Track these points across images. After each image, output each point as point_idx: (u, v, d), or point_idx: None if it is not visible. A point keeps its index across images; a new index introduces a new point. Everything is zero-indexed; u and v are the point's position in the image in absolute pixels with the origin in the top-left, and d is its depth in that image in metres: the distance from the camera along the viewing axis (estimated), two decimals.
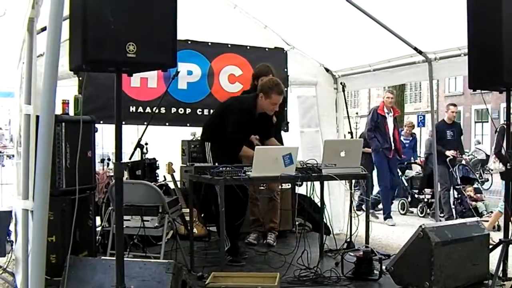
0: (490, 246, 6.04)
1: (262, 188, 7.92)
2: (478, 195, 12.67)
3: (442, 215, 11.86)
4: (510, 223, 6.09)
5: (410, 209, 13.97)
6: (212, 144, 7.25)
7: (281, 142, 7.91)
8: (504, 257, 5.96)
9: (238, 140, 6.92)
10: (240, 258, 6.94)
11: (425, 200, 13.30)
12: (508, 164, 6.13)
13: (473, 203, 12.28)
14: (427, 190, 13.20)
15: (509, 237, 6.07)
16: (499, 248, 6.02)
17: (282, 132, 8.89)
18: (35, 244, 3.52)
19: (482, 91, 6.12)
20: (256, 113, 7.13)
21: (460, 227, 5.84)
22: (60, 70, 6.48)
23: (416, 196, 13.78)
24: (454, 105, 13.07)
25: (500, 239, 6.09)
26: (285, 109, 9.04)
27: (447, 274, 5.44)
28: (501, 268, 5.85)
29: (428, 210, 13.25)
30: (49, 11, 3.76)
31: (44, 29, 4.15)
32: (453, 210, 12.22)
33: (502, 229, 7.09)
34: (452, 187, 12.37)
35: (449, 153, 12.01)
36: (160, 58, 4.04)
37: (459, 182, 12.31)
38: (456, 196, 12.36)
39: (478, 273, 5.76)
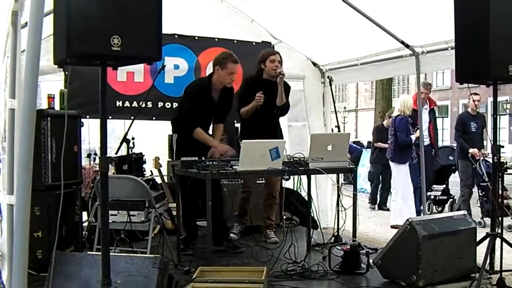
0: (477, 240, 6.04)
1: (259, 182, 7.92)
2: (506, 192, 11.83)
3: None
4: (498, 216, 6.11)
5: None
6: (178, 136, 7.30)
7: (280, 132, 7.89)
8: (491, 251, 5.97)
9: (190, 125, 6.96)
10: (190, 248, 7.02)
11: (432, 197, 12.54)
12: (496, 158, 6.14)
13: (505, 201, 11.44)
14: (435, 187, 12.57)
15: (496, 231, 6.08)
16: (486, 242, 6.03)
17: None
18: (17, 239, 3.49)
19: (470, 85, 6.13)
20: (211, 91, 7.14)
21: (447, 221, 5.84)
22: (46, 64, 6.54)
23: None
24: (477, 94, 11.56)
25: (487, 233, 6.09)
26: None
27: (434, 268, 5.45)
28: (488, 262, 5.86)
29: (435, 208, 12.66)
30: (30, 3, 3.73)
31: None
32: (475, 209, 11.24)
33: None
34: (476, 185, 11.20)
35: (472, 151, 10.78)
36: (145, 52, 4.00)
37: (486, 179, 10.82)
38: (481, 194, 11.11)
39: (465, 267, 5.76)
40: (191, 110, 6.97)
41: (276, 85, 7.40)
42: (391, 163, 11.17)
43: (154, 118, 8.69)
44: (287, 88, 7.68)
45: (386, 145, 11.59)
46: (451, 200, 12.52)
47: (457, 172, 11.64)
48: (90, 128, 7.85)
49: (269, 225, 7.98)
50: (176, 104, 8.62)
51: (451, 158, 12.56)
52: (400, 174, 10.85)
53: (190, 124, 6.95)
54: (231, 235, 7.68)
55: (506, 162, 7.48)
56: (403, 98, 11.09)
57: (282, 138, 7.68)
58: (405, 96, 11.36)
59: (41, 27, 3.75)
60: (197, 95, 7.06)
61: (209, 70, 8.80)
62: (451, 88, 42.78)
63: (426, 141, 10.75)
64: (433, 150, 11.34)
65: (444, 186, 12.68)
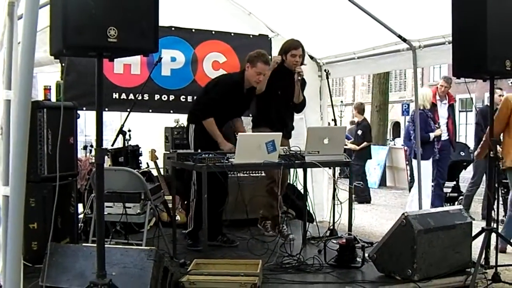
0: (473, 234, 6.05)
1: (254, 175, 7.93)
2: None
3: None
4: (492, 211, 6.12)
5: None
6: (196, 126, 7.11)
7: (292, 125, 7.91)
8: (486, 245, 5.98)
9: (207, 112, 6.92)
10: (200, 243, 6.83)
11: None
12: (491, 153, 6.15)
13: None
14: (447, 184, 11.94)
15: (492, 225, 6.10)
16: (481, 236, 6.05)
17: None
18: (12, 230, 3.49)
19: (467, 80, 6.13)
20: (244, 87, 7.12)
21: (443, 215, 5.84)
22: (42, 56, 6.52)
23: None
24: (500, 88, 11.41)
25: (482, 227, 6.11)
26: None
27: (429, 262, 5.45)
28: (483, 256, 5.87)
29: (445, 205, 11.83)
30: None
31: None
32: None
33: None
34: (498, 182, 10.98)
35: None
36: (141, 43, 3.99)
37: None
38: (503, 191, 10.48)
39: (461, 261, 5.76)
40: (216, 100, 6.94)
41: (293, 76, 7.42)
42: (412, 160, 10.79)
43: (150, 111, 8.66)
44: (303, 83, 7.70)
45: (353, 146, 11.39)
46: (461, 197, 12.02)
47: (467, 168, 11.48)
48: (86, 120, 7.85)
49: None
50: (173, 97, 8.62)
51: (462, 153, 12.23)
52: (423, 171, 10.01)
53: (206, 112, 6.92)
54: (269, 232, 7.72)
55: None
56: (422, 92, 10.58)
57: (292, 129, 7.79)
58: (424, 89, 10.86)
59: (37, 18, 3.73)
60: (231, 90, 7.05)
61: (206, 62, 8.84)
62: None
63: (445, 136, 10.59)
64: (452, 146, 11.05)
65: (455, 182, 12.33)
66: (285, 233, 7.53)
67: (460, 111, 42.21)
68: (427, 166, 10.25)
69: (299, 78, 7.40)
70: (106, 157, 6.54)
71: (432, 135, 10.35)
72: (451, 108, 10.98)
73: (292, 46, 7.53)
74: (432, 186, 10.58)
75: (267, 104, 7.55)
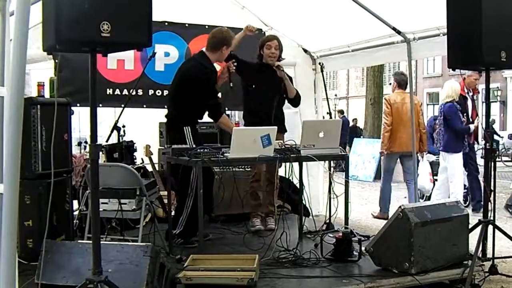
0: (470, 227, 6.04)
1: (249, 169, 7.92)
2: None
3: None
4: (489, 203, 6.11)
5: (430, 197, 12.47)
6: (191, 127, 6.97)
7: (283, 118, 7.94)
8: (483, 238, 5.98)
9: (219, 107, 6.98)
10: (192, 241, 6.79)
11: None
12: (488, 144, 6.14)
13: None
14: None
15: (489, 218, 6.09)
16: (478, 229, 6.04)
17: None
18: (6, 228, 3.46)
19: (461, 72, 6.11)
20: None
21: (440, 208, 5.83)
22: (36, 52, 6.49)
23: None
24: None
25: (479, 220, 6.11)
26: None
27: (426, 255, 5.45)
28: (480, 249, 5.86)
29: None
30: None
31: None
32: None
33: None
34: None
35: None
36: (135, 38, 3.97)
37: None
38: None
39: (458, 254, 5.76)
40: (215, 95, 7.09)
41: (274, 70, 7.41)
42: (442, 153, 10.47)
43: (144, 106, 8.64)
44: (289, 78, 7.74)
45: None
46: (464, 191, 11.37)
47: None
48: (81, 117, 7.82)
49: (270, 212, 7.96)
50: (167, 92, 8.59)
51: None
52: (455, 164, 10.15)
53: (220, 109, 7.05)
54: (255, 226, 7.73)
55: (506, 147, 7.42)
56: (451, 84, 10.41)
57: (284, 123, 7.80)
58: (452, 81, 10.58)
59: (29, 14, 3.70)
60: (212, 79, 7.15)
61: None
62: (442, 75, 42.78)
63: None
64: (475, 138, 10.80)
65: None
66: (269, 226, 7.68)
67: None
68: (458, 159, 10.18)
69: (279, 70, 7.41)
70: (100, 153, 6.51)
71: (472, 126, 10.26)
72: (473, 100, 10.82)
73: (266, 39, 7.67)
74: (469, 180, 10.69)
75: (245, 100, 7.68)
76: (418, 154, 10.17)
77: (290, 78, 7.83)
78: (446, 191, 10.25)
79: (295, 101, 7.83)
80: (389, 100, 10.33)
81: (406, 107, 9.96)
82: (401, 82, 10.52)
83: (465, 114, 10.27)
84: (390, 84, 11.18)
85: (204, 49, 7.14)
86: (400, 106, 10.19)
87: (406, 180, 10.42)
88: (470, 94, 10.63)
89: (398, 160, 10.34)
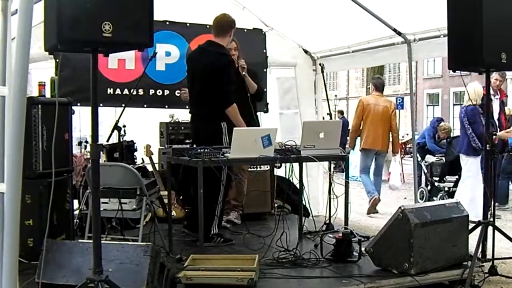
0: (470, 228, 6.05)
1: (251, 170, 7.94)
2: None
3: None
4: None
5: (430, 198, 12.32)
6: (227, 123, 6.85)
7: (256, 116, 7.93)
8: (483, 239, 5.98)
9: (232, 95, 6.92)
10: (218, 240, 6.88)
11: (446, 189, 11.88)
12: (488, 146, 6.15)
13: None
14: (448, 178, 11.97)
15: (488, 218, 6.10)
16: (478, 230, 6.05)
17: (263, 114, 8.93)
18: (8, 227, 3.47)
19: (462, 73, 6.12)
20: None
21: (440, 209, 5.84)
22: (37, 52, 6.50)
23: (436, 184, 12.27)
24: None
25: (479, 220, 6.11)
26: (265, 89, 8.92)
27: (426, 256, 5.46)
28: (480, 250, 5.87)
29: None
30: None
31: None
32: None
33: None
34: None
35: None
36: (136, 38, 3.98)
37: None
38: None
39: (458, 255, 5.77)
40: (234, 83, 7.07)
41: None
42: (462, 156, 10.25)
43: (145, 106, 8.64)
44: (252, 74, 7.74)
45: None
46: None
47: None
48: (81, 116, 7.82)
49: (234, 206, 8.13)
50: (168, 92, 8.60)
51: None
52: (472, 167, 10.02)
53: (232, 97, 6.92)
54: (232, 219, 7.78)
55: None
56: (473, 87, 9.99)
57: (258, 121, 7.89)
58: (475, 84, 10.46)
59: (32, 13, 3.71)
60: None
61: None
62: (442, 77, 42.82)
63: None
64: (503, 142, 10.88)
65: (457, 177, 11.69)
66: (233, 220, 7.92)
67: (454, 104, 42.14)
68: (476, 163, 9.99)
69: (243, 68, 7.44)
70: (101, 152, 6.52)
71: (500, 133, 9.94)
72: (502, 103, 10.69)
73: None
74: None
75: None
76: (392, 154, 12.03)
77: (254, 72, 7.86)
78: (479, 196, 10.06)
79: (257, 97, 7.85)
80: (363, 101, 11.31)
81: (379, 108, 10.99)
82: (378, 85, 11.47)
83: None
84: (374, 86, 11.61)
85: (213, 38, 7.14)
86: (373, 107, 11.03)
87: (373, 174, 11.70)
88: (497, 97, 10.43)
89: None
